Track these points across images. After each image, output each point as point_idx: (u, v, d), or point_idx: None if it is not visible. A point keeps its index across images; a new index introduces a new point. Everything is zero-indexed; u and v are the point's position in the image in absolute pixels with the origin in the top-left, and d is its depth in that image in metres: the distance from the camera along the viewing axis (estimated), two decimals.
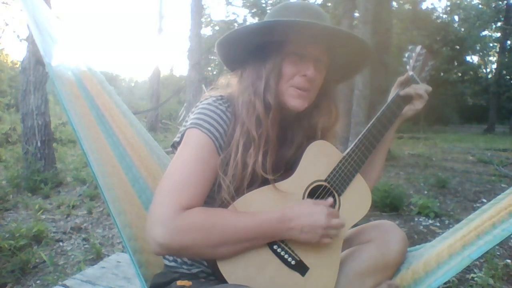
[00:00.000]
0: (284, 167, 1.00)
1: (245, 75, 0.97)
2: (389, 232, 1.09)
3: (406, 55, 1.16)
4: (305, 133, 1.04)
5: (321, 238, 0.89)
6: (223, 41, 0.94)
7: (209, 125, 0.91)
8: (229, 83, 1.02)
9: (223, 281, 0.86)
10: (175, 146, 0.97)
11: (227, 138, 0.92)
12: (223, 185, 0.90)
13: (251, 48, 0.96)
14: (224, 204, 0.90)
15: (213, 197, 0.93)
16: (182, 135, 0.94)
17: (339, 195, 1.00)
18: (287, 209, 0.89)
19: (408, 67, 1.13)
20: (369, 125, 1.06)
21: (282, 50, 0.94)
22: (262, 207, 0.90)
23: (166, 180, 0.86)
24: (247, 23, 1.02)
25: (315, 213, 0.88)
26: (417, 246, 1.20)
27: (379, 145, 1.08)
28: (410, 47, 1.17)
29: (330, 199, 0.95)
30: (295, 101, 0.95)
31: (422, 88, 1.06)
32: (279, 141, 1.01)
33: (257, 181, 0.93)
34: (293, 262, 0.91)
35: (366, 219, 1.17)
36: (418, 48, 1.15)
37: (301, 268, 0.92)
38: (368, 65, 1.01)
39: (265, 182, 0.93)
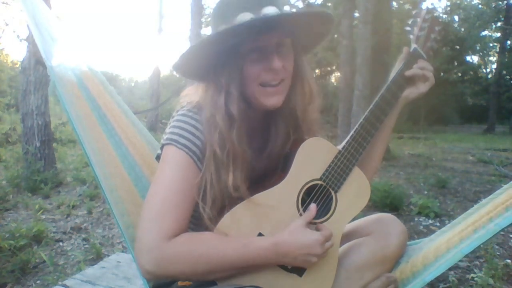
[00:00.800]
0: (281, 167, 0.98)
1: (205, 89, 0.92)
2: (388, 226, 1.08)
3: (410, 22, 1.02)
4: (288, 121, 0.97)
5: (314, 261, 0.88)
6: (178, 64, 0.89)
7: (185, 140, 0.88)
8: (198, 89, 0.96)
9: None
10: (158, 157, 0.94)
11: (205, 150, 0.89)
12: (204, 213, 0.87)
13: (207, 60, 0.89)
14: (210, 229, 0.88)
15: (198, 217, 0.91)
16: (162, 150, 0.92)
17: (336, 191, 0.97)
18: (280, 238, 0.85)
19: (411, 37, 1.00)
20: (367, 111, 0.97)
21: (238, 52, 0.87)
22: (253, 221, 0.89)
23: (150, 206, 0.84)
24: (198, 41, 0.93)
25: (309, 244, 0.85)
26: (417, 240, 1.19)
27: (379, 132, 1.00)
28: (414, 12, 1.02)
29: (314, 207, 0.91)
30: (270, 100, 0.90)
31: (431, 69, 0.96)
32: (263, 140, 0.99)
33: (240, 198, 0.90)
34: (289, 266, 0.91)
35: (363, 216, 1.16)
36: (424, 12, 1.01)
37: (298, 269, 0.92)
38: (331, 26, 0.93)
39: (249, 195, 0.91)
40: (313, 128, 1.01)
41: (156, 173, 0.90)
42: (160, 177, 0.88)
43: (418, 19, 1.01)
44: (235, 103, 0.87)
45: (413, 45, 0.99)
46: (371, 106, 0.98)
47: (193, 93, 0.97)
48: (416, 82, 0.99)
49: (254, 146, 0.95)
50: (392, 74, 1.00)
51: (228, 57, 0.88)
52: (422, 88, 0.98)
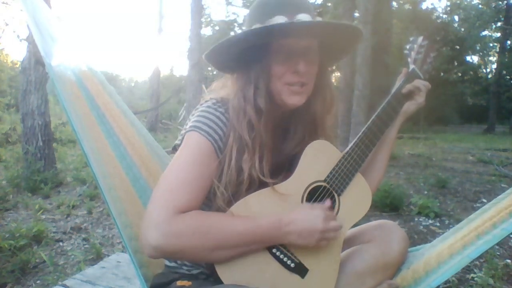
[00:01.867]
0: (287, 166, 1.00)
1: (235, 79, 0.96)
2: (390, 232, 1.09)
3: (408, 47, 1.12)
4: (306, 124, 1.02)
5: (319, 241, 0.89)
6: (210, 54, 0.92)
7: (208, 128, 0.91)
8: (225, 85, 1.01)
9: (222, 282, 0.86)
10: (176, 148, 0.96)
11: (226, 141, 0.92)
12: (218, 192, 0.89)
13: (238, 54, 0.93)
14: (221, 211, 0.89)
15: (209, 204, 0.92)
16: (183, 139, 0.94)
17: (339, 195, 0.99)
18: (284, 214, 0.88)
19: (409, 59, 1.09)
20: (369, 122, 1.03)
21: (268, 50, 0.92)
22: (260, 211, 0.90)
23: (163, 182, 0.86)
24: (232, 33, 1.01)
25: (312, 217, 0.88)
26: (418, 246, 1.20)
27: (381, 143, 1.07)
28: (411, 39, 1.14)
29: (328, 202, 0.95)
30: (292, 99, 0.94)
31: (420, 83, 1.05)
32: (281, 138, 1.01)
33: (254, 185, 0.92)
34: (292, 265, 0.91)
35: (365, 219, 1.16)
36: (420, 39, 1.12)
37: (300, 270, 0.92)
38: (359, 42, 1.01)
39: (263, 185, 0.92)
40: (327, 134, 1.05)
41: (175, 156, 0.92)
42: (180, 157, 0.90)
43: (415, 45, 1.11)
44: (263, 97, 0.92)
45: (411, 66, 1.08)
46: (373, 117, 1.04)
47: (218, 89, 1.01)
48: (414, 97, 1.07)
49: (276, 139, 0.99)
50: (393, 91, 1.08)
51: (259, 53, 0.92)
52: (418, 99, 1.07)
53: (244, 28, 0.96)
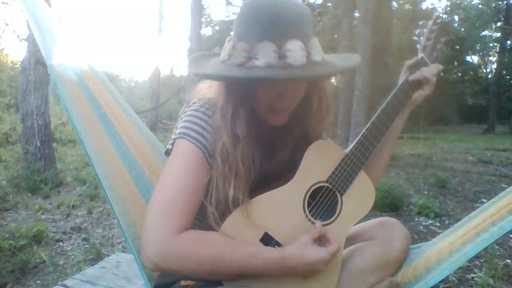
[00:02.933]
0: (289, 168, 0.99)
1: (219, 91, 0.90)
2: (392, 230, 1.08)
3: (417, 32, 1.04)
4: (297, 134, 0.99)
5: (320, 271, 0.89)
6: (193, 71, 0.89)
7: (197, 134, 0.89)
8: (210, 85, 0.95)
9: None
10: (168, 153, 0.94)
11: (215, 146, 0.90)
12: (209, 213, 0.88)
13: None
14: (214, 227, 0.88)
15: (203, 214, 0.92)
16: (173, 143, 0.92)
17: (342, 194, 0.98)
18: (288, 252, 0.85)
19: (418, 46, 1.02)
20: (373, 117, 1.00)
21: (251, 84, 0.87)
22: (260, 218, 0.89)
23: (158, 196, 0.85)
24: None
25: (315, 262, 0.85)
26: (419, 244, 1.20)
27: (388, 133, 1.02)
28: (421, 23, 1.05)
29: (335, 246, 0.88)
30: (274, 119, 0.91)
31: (428, 71, 0.98)
32: (271, 149, 0.98)
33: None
34: None
35: (366, 219, 1.16)
36: (430, 23, 1.03)
37: None
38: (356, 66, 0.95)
39: (260, 190, 0.92)
40: (321, 137, 1.04)
41: (166, 165, 0.90)
42: (171, 170, 0.88)
43: (425, 30, 1.03)
44: (242, 124, 0.87)
45: (420, 54, 1.01)
46: (378, 111, 1.00)
47: (205, 89, 0.96)
48: (422, 86, 1.01)
49: (265, 153, 0.96)
50: (399, 82, 1.02)
51: (242, 83, 0.87)
52: (426, 90, 1.01)
53: (231, 33, 0.88)
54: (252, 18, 0.80)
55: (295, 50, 0.78)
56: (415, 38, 1.04)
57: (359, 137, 1.00)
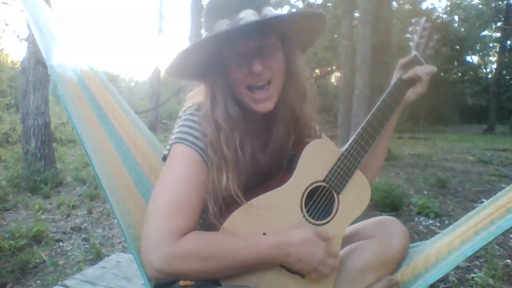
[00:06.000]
0: (284, 167, 1.00)
1: (202, 92, 0.94)
2: (391, 229, 1.09)
3: (410, 29, 1.04)
4: (286, 117, 0.98)
5: (312, 271, 0.89)
6: (168, 72, 0.91)
7: (193, 137, 0.89)
8: (201, 90, 0.97)
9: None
10: (165, 158, 0.94)
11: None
12: (209, 208, 0.88)
13: (195, 68, 0.92)
14: (214, 226, 0.88)
15: (202, 221, 0.92)
16: (170, 149, 0.92)
17: (338, 193, 0.99)
18: (287, 235, 0.87)
19: (411, 44, 1.03)
20: (368, 117, 1.00)
21: (220, 58, 0.89)
22: (258, 220, 0.89)
23: (158, 202, 0.84)
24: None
25: (314, 245, 0.87)
26: (418, 243, 1.20)
27: (381, 133, 1.03)
28: (413, 20, 1.06)
29: (331, 233, 0.92)
30: (259, 107, 0.91)
31: (421, 69, 0.99)
32: (266, 137, 0.99)
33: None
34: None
35: (366, 219, 1.17)
36: (423, 20, 1.04)
37: None
38: (322, 25, 0.94)
39: (258, 190, 0.92)
40: (309, 123, 1.02)
41: (163, 170, 0.90)
42: (169, 174, 0.88)
43: (418, 27, 1.04)
44: (221, 109, 0.89)
45: (414, 52, 1.02)
46: (373, 110, 1.01)
47: (197, 95, 0.98)
48: (415, 84, 1.01)
49: (257, 144, 0.97)
50: (393, 80, 1.03)
51: (212, 63, 0.90)
52: (420, 88, 1.01)
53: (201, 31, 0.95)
54: (208, 7, 0.90)
55: (247, 15, 0.84)
56: (408, 35, 1.05)
57: (354, 135, 1.00)
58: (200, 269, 0.81)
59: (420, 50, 1.02)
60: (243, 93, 0.91)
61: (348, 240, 1.10)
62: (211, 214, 0.88)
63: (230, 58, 0.89)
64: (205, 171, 0.89)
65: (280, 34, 0.92)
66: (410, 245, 1.15)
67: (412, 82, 1.01)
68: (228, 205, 0.90)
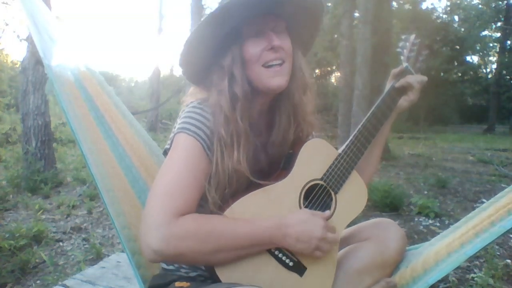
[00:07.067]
0: (282, 165, 1.00)
1: (211, 80, 0.95)
2: (388, 230, 1.09)
3: (400, 44, 1.12)
4: (287, 111, 1.00)
5: (315, 250, 0.89)
6: (183, 60, 0.93)
7: (195, 128, 0.90)
8: (201, 90, 1.00)
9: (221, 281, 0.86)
10: (167, 152, 0.95)
11: (213, 139, 0.92)
12: (209, 197, 0.89)
13: (208, 49, 0.93)
14: (215, 212, 0.89)
15: (202, 210, 0.92)
16: (172, 142, 0.94)
17: (336, 193, 1.00)
18: (284, 217, 0.88)
19: (402, 57, 1.10)
20: (364, 120, 1.04)
21: (237, 34, 0.91)
22: (256, 212, 0.90)
23: (159, 184, 0.86)
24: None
25: (311, 223, 0.88)
26: (417, 245, 1.20)
27: (375, 138, 1.07)
28: (403, 37, 1.14)
29: (328, 212, 0.94)
30: (275, 80, 0.92)
31: (413, 78, 1.05)
32: (267, 130, 1.01)
33: (244, 187, 0.92)
34: (291, 264, 0.91)
35: (365, 219, 1.17)
36: (412, 37, 1.12)
37: (298, 268, 0.92)
38: (321, 17, 1.00)
39: (255, 186, 0.92)
40: (308, 119, 1.04)
41: (166, 158, 0.91)
42: (171, 160, 0.89)
43: (407, 43, 1.11)
44: (239, 84, 0.91)
45: (405, 64, 1.09)
46: (368, 114, 1.05)
47: (197, 93, 1.00)
48: (407, 93, 1.07)
49: (259, 134, 0.99)
50: (386, 89, 1.08)
51: (228, 40, 0.91)
52: (411, 96, 1.06)
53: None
54: None
55: None
56: (398, 50, 1.12)
57: (351, 137, 1.02)
58: (198, 249, 0.81)
59: (411, 62, 1.09)
60: (257, 71, 0.92)
61: (345, 242, 1.10)
62: (210, 203, 0.89)
63: (248, 35, 0.91)
64: (206, 160, 0.90)
65: (285, 18, 0.95)
66: (408, 247, 1.15)
67: (404, 90, 1.06)
68: (226, 200, 0.90)
